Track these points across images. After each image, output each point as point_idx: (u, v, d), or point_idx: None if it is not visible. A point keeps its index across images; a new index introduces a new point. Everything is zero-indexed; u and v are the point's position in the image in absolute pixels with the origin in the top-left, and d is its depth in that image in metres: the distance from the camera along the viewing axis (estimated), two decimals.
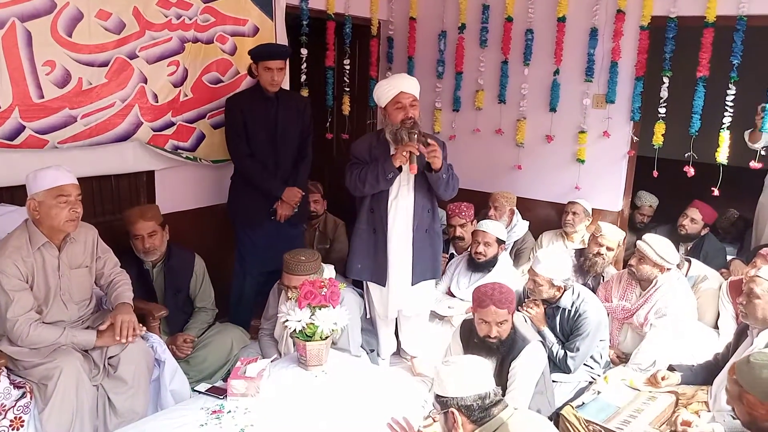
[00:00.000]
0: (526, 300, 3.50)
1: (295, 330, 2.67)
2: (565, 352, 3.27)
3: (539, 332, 3.35)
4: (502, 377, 2.81)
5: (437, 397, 2.11)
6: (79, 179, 2.72)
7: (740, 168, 4.17)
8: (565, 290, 3.33)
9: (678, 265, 3.70)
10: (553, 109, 4.77)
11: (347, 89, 5.18)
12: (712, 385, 2.91)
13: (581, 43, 4.59)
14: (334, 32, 4.93)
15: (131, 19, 3.52)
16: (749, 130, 4.15)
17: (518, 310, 3.48)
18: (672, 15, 4.20)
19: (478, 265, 3.93)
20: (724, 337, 3.47)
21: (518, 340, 2.84)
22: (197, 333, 3.51)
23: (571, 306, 3.32)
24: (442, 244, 3.62)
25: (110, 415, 2.71)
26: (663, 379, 3.03)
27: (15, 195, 3.14)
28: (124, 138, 3.62)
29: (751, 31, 3.98)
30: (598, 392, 3.00)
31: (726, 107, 4.05)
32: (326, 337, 2.70)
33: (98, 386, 2.72)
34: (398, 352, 3.78)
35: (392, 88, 3.25)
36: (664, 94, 4.28)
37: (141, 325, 2.83)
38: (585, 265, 3.96)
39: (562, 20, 4.60)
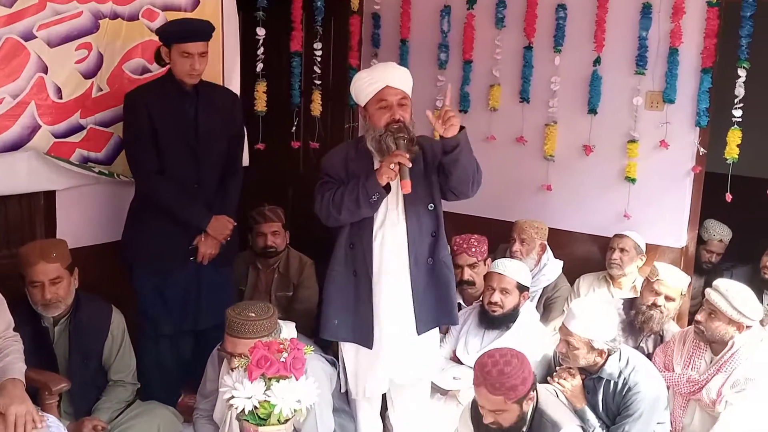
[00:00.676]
0: (557, 369, 3.48)
1: (243, 410, 2.63)
2: None
3: (576, 412, 3.32)
4: None
5: None
6: None
7: None
8: (609, 356, 3.31)
9: (761, 321, 3.69)
10: (592, 111, 4.81)
11: (318, 83, 5.19)
12: None
13: (630, 23, 4.64)
14: (302, 7, 4.96)
15: None
16: None
17: (548, 382, 3.48)
18: None
19: (493, 321, 3.91)
20: None
21: (546, 426, 2.82)
22: (110, 416, 3.44)
23: (618, 377, 3.29)
24: (454, 279, 3.59)
25: None
26: None
27: None
28: (15, 147, 3.59)
29: None
30: None
31: None
32: (286, 421, 2.66)
33: None
34: None
35: (374, 81, 3.25)
36: (739, 91, 4.32)
37: (41, 413, 2.78)
38: (637, 321, 3.95)
39: None
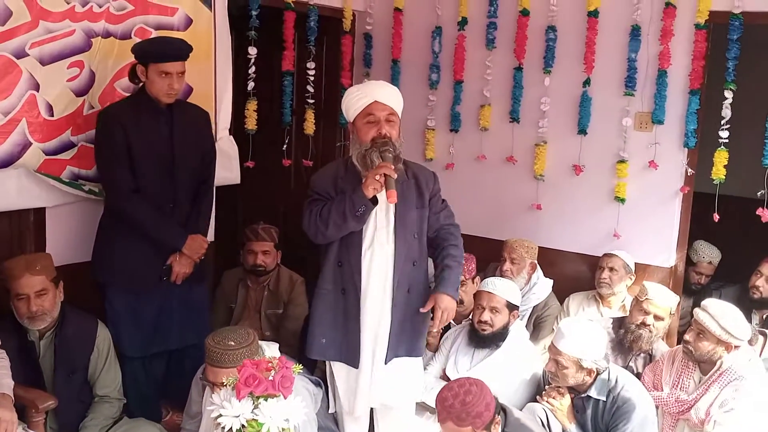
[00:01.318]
0: (547, 387, 3.47)
1: (231, 429, 2.60)
2: None
3: None
4: None
5: None
6: None
7: None
8: (598, 375, 3.31)
9: (750, 341, 3.69)
10: (582, 132, 4.82)
11: (311, 101, 5.20)
12: None
13: (619, 45, 4.67)
14: (294, 26, 4.97)
15: (20, 5, 3.51)
16: None
17: (537, 401, 3.46)
18: (736, 10, 4.29)
19: (483, 339, 3.90)
20: None
21: None
22: None
23: (607, 396, 3.29)
24: (429, 313, 3.58)
25: None
26: None
27: None
28: (6, 164, 3.57)
29: None
30: None
31: None
32: None
33: None
34: None
35: (364, 96, 3.26)
36: (726, 113, 4.34)
37: (23, 425, 2.78)
38: (626, 340, 3.94)
39: (594, 15, 4.69)
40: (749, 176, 4.30)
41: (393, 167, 3.12)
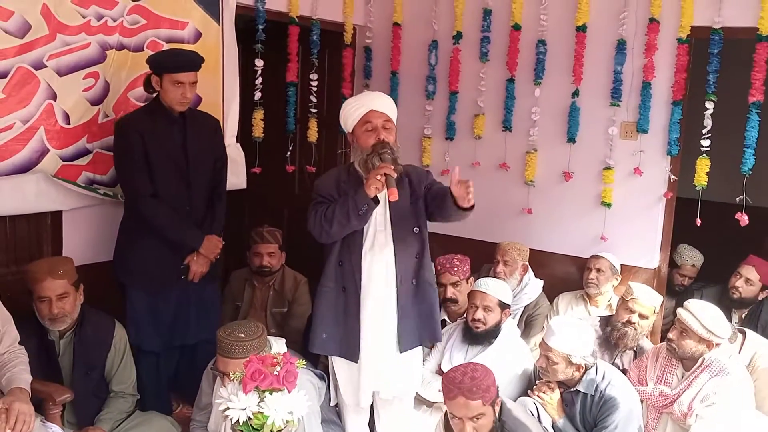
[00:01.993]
0: (537, 382, 3.47)
1: (238, 421, 2.61)
2: None
3: (554, 425, 3.31)
4: None
5: None
6: None
7: None
8: (586, 370, 3.31)
9: (730, 339, 3.69)
10: (571, 140, 4.83)
11: (314, 110, 5.21)
12: None
13: (606, 58, 4.68)
14: (298, 40, 4.98)
15: (39, 19, 3.53)
16: None
17: (528, 395, 3.47)
18: (717, 26, 4.30)
19: (476, 336, 3.90)
20: None
21: None
22: (111, 426, 3.43)
23: (595, 390, 3.29)
24: (437, 298, 3.58)
25: None
26: None
27: None
28: (25, 169, 3.59)
29: None
30: None
31: None
32: (279, 431, 2.64)
33: None
34: None
35: (360, 106, 3.28)
36: (707, 122, 4.35)
37: (45, 423, 2.79)
38: (612, 338, 3.95)
39: (582, 29, 4.70)
40: (729, 183, 4.31)
41: (393, 167, 3.14)
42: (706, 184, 4.40)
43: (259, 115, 4.86)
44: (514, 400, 3.47)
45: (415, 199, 3.37)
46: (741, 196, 4.26)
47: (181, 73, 3.61)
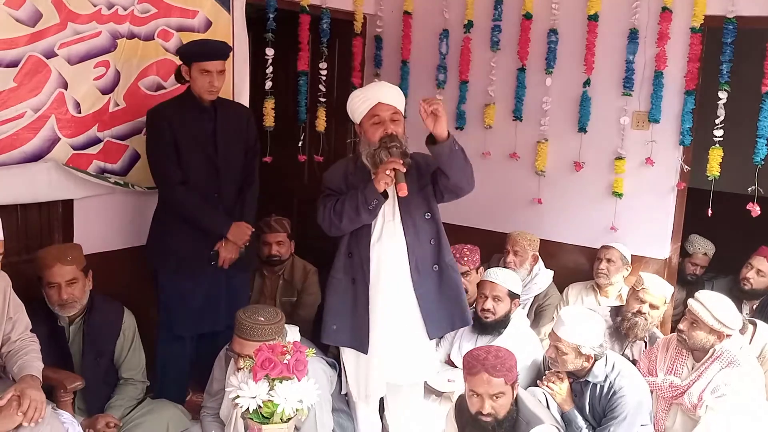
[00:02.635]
0: (547, 372, 3.47)
1: (248, 409, 2.61)
2: None
3: (563, 415, 3.31)
4: None
5: None
6: None
7: None
8: (596, 360, 3.31)
9: (740, 330, 3.68)
10: (582, 130, 4.81)
11: (323, 100, 5.20)
12: None
13: (618, 47, 4.65)
14: (309, 29, 4.97)
15: (50, 8, 3.53)
16: None
17: (537, 386, 3.46)
18: (730, 15, 4.27)
19: (486, 326, 3.91)
20: None
21: (521, 424, 2.81)
22: (122, 413, 3.44)
23: (604, 381, 3.29)
24: (461, 281, 3.56)
25: None
26: None
27: None
28: (36, 158, 3.59)
29: None
30: None
31: None
32: (288, 419, 2.64)
33: None
34: None
35: (367, 98, 3.26)
36: (720, 112, 4.33)
37: (56, 410, 2.80)
38: (622, 328, 3.94)
39: (593, 18, 4.67)
40: (741, 173, 4.29)
41: (401, 162, 3.13)
42: (718, 174, 4.38)
43: (270, 105, 4.86)
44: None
45: (424, 184, 3.35)
46: (753, 187, 4.24)
47: (208, 61, 3.64)
